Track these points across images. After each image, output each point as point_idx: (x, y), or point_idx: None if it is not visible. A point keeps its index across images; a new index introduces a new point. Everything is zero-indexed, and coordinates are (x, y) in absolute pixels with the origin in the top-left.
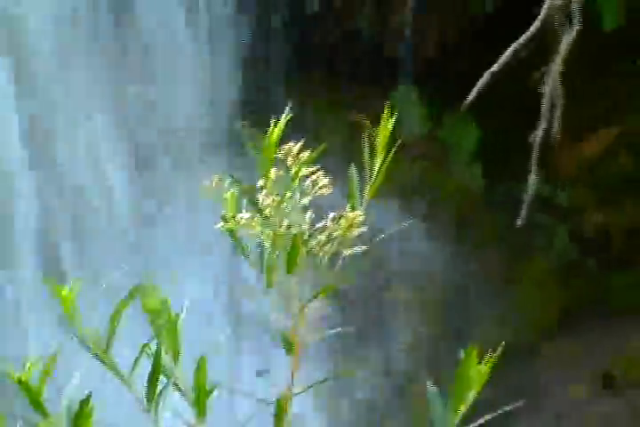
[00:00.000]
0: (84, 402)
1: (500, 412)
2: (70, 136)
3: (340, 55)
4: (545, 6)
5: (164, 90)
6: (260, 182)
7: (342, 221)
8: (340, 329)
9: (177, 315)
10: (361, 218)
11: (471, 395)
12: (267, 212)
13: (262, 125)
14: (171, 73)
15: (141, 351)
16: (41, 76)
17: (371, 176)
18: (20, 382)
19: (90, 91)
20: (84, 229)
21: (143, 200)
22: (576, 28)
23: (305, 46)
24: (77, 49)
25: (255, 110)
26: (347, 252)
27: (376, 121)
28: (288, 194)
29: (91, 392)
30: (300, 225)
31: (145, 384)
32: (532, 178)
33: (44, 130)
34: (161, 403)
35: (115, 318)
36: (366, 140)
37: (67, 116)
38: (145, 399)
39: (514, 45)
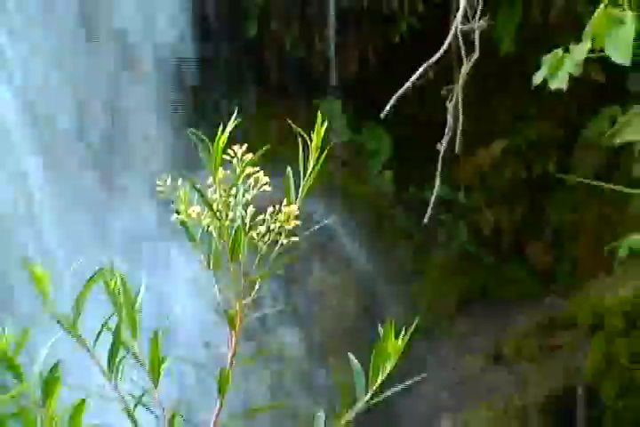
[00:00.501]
0: (54, 368)
1: (409, 382)
2: None
3: (272, 73)
4: (451, 33)
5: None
6: (209, 180)
7: (280, 215)
8: (276, 309)
9: (136, 295)
10: (296, 212)
11: (389, 366)
12: (214, 206)
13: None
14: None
15: (103, 326)
16: None
17: (304, 176)
18: None
19: None
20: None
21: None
22: (476, 53)
23: (244, 67)
24: None
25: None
26: (284, 241)
27: (304, 130)
28: (233, 190)
29: (59, 360)
30: (243, 218)
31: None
32: (437, 182)
33: None
34: (120, 372)
35: (81, 297)
36: (301, 144)
37: None
38: (107, 368)
39: (424, 65)
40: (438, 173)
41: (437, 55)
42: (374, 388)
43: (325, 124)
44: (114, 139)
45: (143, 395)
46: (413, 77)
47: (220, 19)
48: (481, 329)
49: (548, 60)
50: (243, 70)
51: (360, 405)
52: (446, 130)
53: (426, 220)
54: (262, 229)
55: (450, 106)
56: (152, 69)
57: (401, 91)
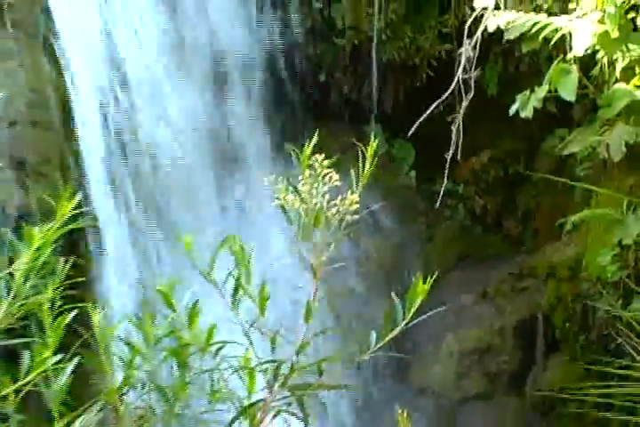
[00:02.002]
0: (195, 303)
1: (433, 312)
2: None
3: (335, 107)
4: (455, 80)
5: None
6: (300, 177)
7: (346, 201)
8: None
9: (249, 254)
10: (357, 198)
11: (419, 301)
12: (303, 195)
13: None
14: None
15: (228, 275)
16: None
17: (362, 175)
18: (160, 291)
19: None
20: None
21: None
22: (471, 93)
23: (318, 102)
24: None
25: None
26: (348, 218)
27: (355, 146)
28: (315, 184)
29: (198, 299)
30: (322, 203)
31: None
32: (445, 179)
33: None
34: (239, 306)
35: (214, 255)
36: (360, 154)
37: None
38: (231, 303)
39: (437, 101)
40: (446, 173)
41: (446, 95)
42: (409, 316)
43: (376, 141)
44: (227, 148)
45: (255, 321)
46: (430, 109)
47: (304, 70)
48: (472, 277)
49: (519, 97)
50: (316, 105)
51: (399, 327)
52: (451, 144)
53: (437, 204)
54: (334, 210)
55: (454, 128)
56: (253, 105)
57: (421, 118)
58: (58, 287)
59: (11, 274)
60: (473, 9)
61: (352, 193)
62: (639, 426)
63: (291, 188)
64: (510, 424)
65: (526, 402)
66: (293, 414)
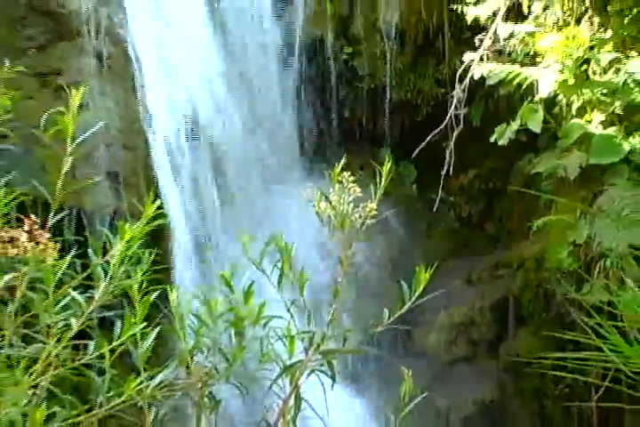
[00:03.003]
0: (250, 285)
1: (433, 295)
2: None
3: (356, 134)
4: (448, 115)
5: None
6: (332, 190)
7: (367, 208)
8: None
9: (291, 246)
10: (375, 206)
11: (422, 286)
12: (334, 203)
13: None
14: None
15: (274, 265)
16: None
17: (378, 188)
18: (222, 276)
19: None
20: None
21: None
22: (461, 125)
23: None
24: None
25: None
26: (368, 222)
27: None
28: (343, 195)
29: (253, 281)
30: (348, 209)
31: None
32: (440, 191)
33: None
34: (283, 288)
35: (265, 249)
36: (378, 172)
37: None
38: (277, 286)
39: (434, 132)
40: (440, 187)
41: (441, 127)
42: (415, 297)
43: (391, 161)
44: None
45: (295, 300)
46: (428, 138)
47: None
48: (460, 267)
49: (498, 129)
50: (342, 133)
51: (407, 306)
52: (445, 164)
53: (434, 209)
54: (357, 215)
55: (447, 152)
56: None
57: (422, 145)
58: (144, 273)
59: (107, 262)
60: (462, 61)
61: (371, 202)
62: (586, 383)
63: (324, 197)
64: (487, 381)
65: (500, 364)
66: (324, 373)
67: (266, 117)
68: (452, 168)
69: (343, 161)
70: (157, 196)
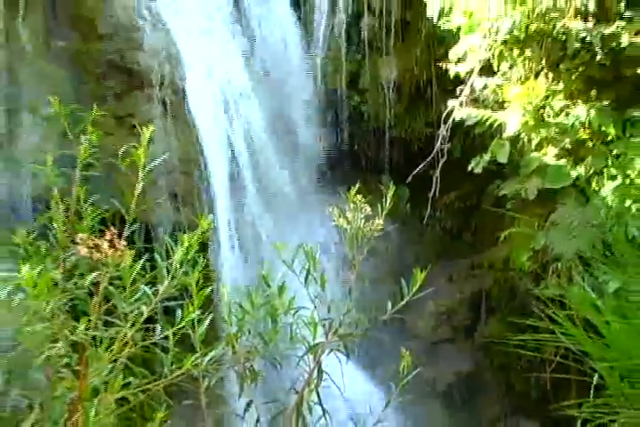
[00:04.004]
0: (283, 283)
1: (426, 292)
2: None
3: (362, 164)
4: (435, 149)
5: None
6: (347, 208)
7: (375, 223)
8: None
9: (314, 254)
10: (381, 222)
11: (418, 284)
12: (349, 218)
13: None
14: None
15: (303, 267)
16: None
17: (385, 207)
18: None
19: None
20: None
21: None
22: (445, 157)
23: (351, 162)
24: None
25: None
26: (376, 234)
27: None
28: (356, 213)
29: (285, 280)
30: (360, 224)
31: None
32: (429, 208)
33: None
34: (309, 285)
35: (294, 254)
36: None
37: None
38: (304, 283)
39: (424, 162)
40: (429, 205)
41: (429, 158)
42: (412, 292)
43: (392, 186)
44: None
45: (318, 295)
46: (419, 167)
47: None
48: (444, 268)
49: (474, 160)
50: (352, 163)
51: (405, 299)
52: (432, 187)
53: (424, 222)
54: (367, 228)
55: (434, 178)
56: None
57: (415, 172)
58: (199, 272)
59: (170, 264)
60: (446, 107)
61: (378, 219)
62: (542, 358)
63: (342, 214)
64: (464, 357)
65: (475, 344)
66: (340, 351)
67: (293, 150)
68: (437, 190)
69: (357, 186)
70: (210, 211)
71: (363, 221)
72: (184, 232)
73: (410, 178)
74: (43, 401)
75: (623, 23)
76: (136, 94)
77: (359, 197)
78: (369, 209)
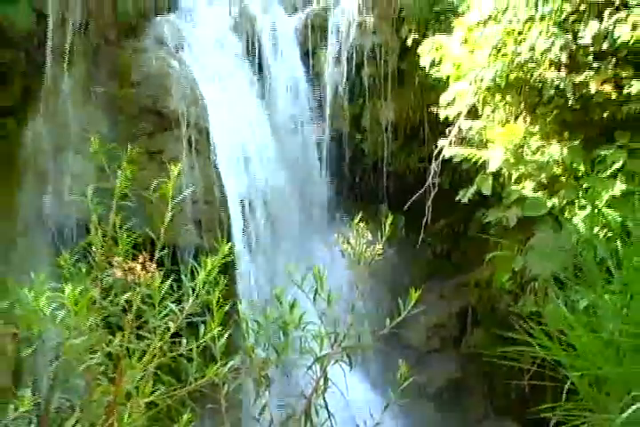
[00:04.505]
0: (294, 301)
1: (418, 310)
2: None
3: (363, 196)
4: (427, 183)
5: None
6: (350, 235)
7: (375, 247)
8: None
9: (322, 275)
10: (381, 247)
11: (413, 301)
12: (352, 244)
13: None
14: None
15: (312, 288)
16: None
17: (383, 234)
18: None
19: None
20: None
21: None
22: (436, 189)
23: (354, 194)
24: None
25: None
26: (377, 258)
27: (375, 216)
28: (359, 239)
29: (295, 299)
30: (362, 248)
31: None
32: (422, 233)
33: None
34: (317, 302)
35: (304, 276)
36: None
37: None
38: (313, 303)
39: (417, 193)
40: (422, 231)
41: (422, 189)
42: (408, 309)
43: (389, 215)
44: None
45: (325, 311)
46: (413, 197)
47: (347, 177)
48: (434, 286)
49: (462, 191)
50: (354, 194)
51: (402, 315)
52: (425, 215)
53: (417, 247)
54: (368, 252)
55: (426, 207)
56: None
57: (409, 202)
58: (220, 291)
59: (194, 284)
60: (437, 145)
61: (378, 244)
62: (521, 367)
63: (346, 240)
64: (452, 365)
65: (461, 353)
66: (344, 362)
67: (303, 184)
68: (429, 218)
69: (359, 216)
70: (228, 236)
71: (365, 246)
72: (206, 255)
73: (405, 207)
74: (82, 404)
75: (592, 73)
76: (165, 134)
77: (361, 224)
78: (370, 236)
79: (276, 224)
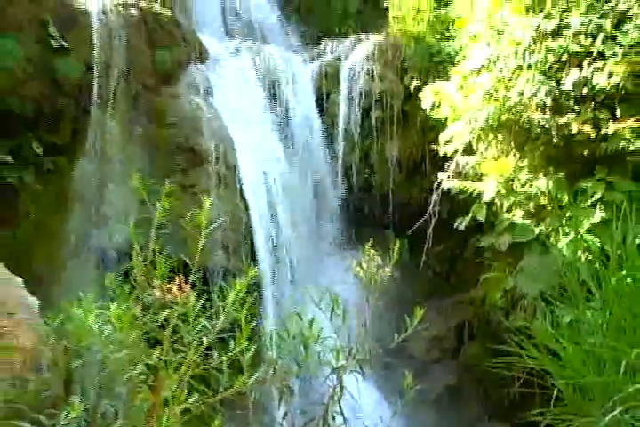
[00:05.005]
0: (312, 319)
1: (423, 327)
2: None
3: (371, 222)
4: (428, 211)
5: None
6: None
7: (385, 271)
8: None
9: (338, 297)
10: (390, 270)
11: (418, 318)
12: (365, 267)
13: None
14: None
15: (327, 306)
16: None
17: (391, 258)
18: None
19: None
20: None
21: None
22: (436, 217)
23: (364, 222)
24: None
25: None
26: (385, 278)
27: (384, 241)
28: (370, 263)
29: (314, 316)
30: (373, 270)
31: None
32: (423, 257)
33: None
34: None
35: (322, 297)
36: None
37: None
38: (330, 319)
39: (419, 221)
40: (423, 254)
41: (424, 217)
42: (413, 325)
43: (396, 241)
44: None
45: (340, 327)
46: (416, 224)
47: (357, 207)
48: (434, 303)
49: (459, 219)
50: (365, 222)
51: (409, 331)
52: (426, 240)
53: (419, 268)
54: (379, 274)
55: (428, 233)
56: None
57: (412, 228)
58: (247, 309)
59: (225, 303)
60: (437, 178)
61: (387, 267)
62: (512, 375)
63: (359, 264)
64: (451, 374)
65: (459, 363)
66: (358, 372)
67: (319, 210)
68: (430, 242)
69: (370, 242)
70: (252, 260)
71: (375, 269)
72: (233, 276)
73: (409, 232)
74: (125, 410)
75: (573, 115)
76: (197, 169)
77: (372, 250)
78: (380, 260)
79: (294, 248)
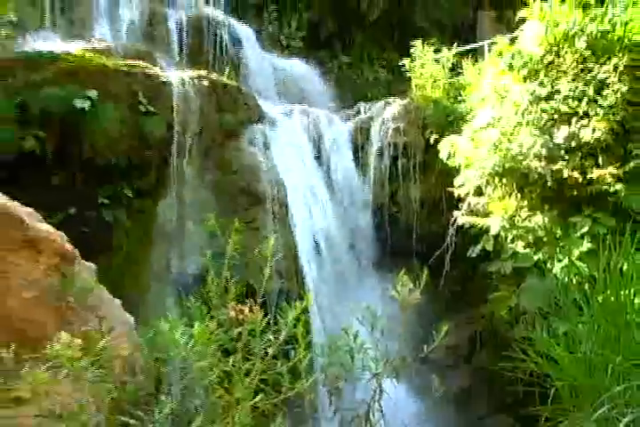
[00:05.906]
0: (356, 332)
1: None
2: None
3: (399, 251)
4: (445, 243)
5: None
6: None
7: (414, 294)
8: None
9: (375, 311)
10: (419, 295)
11: (443, 332)
12: (399, 291)
13: None
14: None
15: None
16: None
17: (420, 284)
18: (343, 329)
19: None
20: None
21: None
22: (453, 247)
23: (390, 251)
24: None
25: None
26: (415, 301)
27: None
28: (403, 288)
29: (358, 330)
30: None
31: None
32: (442, 279)
33: None
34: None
35: (362, 312)
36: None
37: None
38: (370, 330)
39: (438, 251)
40: (443, 276)
41: (442, 247)
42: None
43: (425, 269)
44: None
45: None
46: (436, 253)
47: (382, 238)
48: (450, 318)
49: (471, 248)
50: (391, 251)
51: (436, 343)
52: (445, 265)
53: (438, 288)
54: (411, 298)
55: (446, 261)
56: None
57: (433, 257)
58: (302, 325)
59: (286, 321)
60: (453, 215)
61: (416, 292)
62: (516, 377)
63: (394, 288)
64: (465, 376)
65: (472, 368)
66: (394, 378)
67: (356, 242)
68: (448, 267)
69: (403, 271)
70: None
71: (407, 293)
72: (286, 296)
73: (430, 261)
74: (204, 406)
75: (564, 163)
76: (256, 208)
77: (404, 277)
78: (411, 285)
79: (336, 273)
